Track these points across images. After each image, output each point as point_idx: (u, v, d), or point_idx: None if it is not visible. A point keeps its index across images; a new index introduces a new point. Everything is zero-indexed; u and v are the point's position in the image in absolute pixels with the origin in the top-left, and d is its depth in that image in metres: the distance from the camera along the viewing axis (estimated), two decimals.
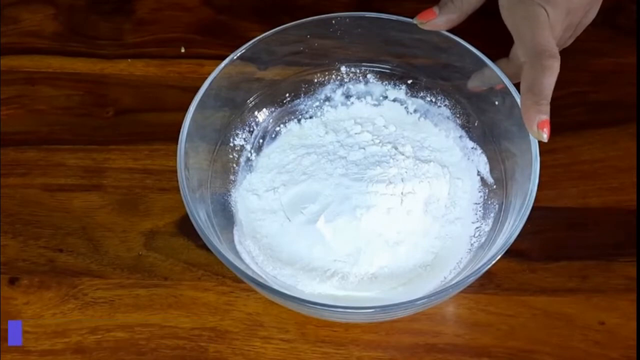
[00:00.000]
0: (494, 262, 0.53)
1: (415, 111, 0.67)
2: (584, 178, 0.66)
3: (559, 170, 0.66)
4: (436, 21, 0.62)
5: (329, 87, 0.68)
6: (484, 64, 0.61)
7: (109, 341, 0.60)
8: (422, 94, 0.67)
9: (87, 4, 0.77)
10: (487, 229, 0.60)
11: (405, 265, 0.59)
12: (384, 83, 0.68)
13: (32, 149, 0.69)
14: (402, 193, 0.60)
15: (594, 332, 0.60)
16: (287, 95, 0.67)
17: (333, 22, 0.64)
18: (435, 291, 0.56)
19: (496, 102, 0.61)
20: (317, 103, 0.68)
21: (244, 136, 0.66)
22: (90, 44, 0.75)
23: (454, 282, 0.57)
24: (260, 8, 0.77)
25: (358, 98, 0.68)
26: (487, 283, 0.61)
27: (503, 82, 0.59)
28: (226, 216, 0.62)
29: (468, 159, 0.65)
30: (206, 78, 0.61)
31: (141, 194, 0.67)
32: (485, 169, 0.64)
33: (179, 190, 0.56)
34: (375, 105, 0.68)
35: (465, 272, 0.58)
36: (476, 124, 0.65)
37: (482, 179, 0.64)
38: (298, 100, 0.68)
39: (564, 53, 0.57)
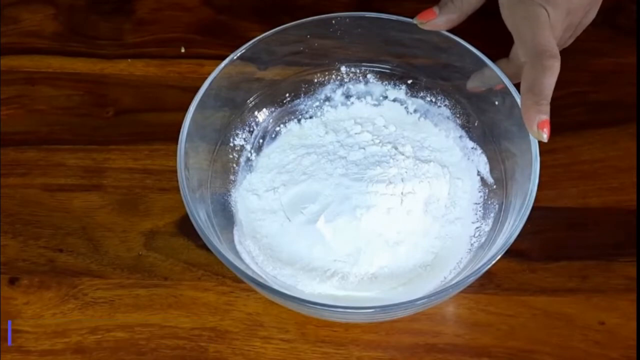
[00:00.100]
0: (494, 262, 0.53)
1: (415, 111, 0.67)
2: (584, 178, 0.66)
3: (559, 170, 0.66)
4: (436, 21, 0.62)
5: (329, 87, 0.68)
6: (484, 64, 0.61)
7: (109, 341, 0.60)
8: (422, 94, 0.67)
9: (87, 4, 0.77)
10: (487, 229, 0.60)
11: (405, 265, 0.59)
12: (384, 83, 0.68)
13: (32, 149, 0.69)
14: (402, 193, 0.60)
15: (594, 332, 0.60)
16: (287, 95, 0.67)
17: (333, 22, 0.64)
18: (435, 291, 0.56)
19: (496, 102, 0.61)
20: (317, 103, 0.68)
21: (244, 136, 0.66)
22: (90, 44, 0.75)
23: (454, 282, 0.57)
24: (260, 8, 0.77)
25: (358, 98, 0.68)
26: (487, 283, 0.61)
27: (503, 82, 0.59)
28: (226, 216, 0.62)
29: (468, 159, 0.65)
30: (206, 78, 0.61)
31: (141, 194, 0.67)
32: (485, 169, 0.64)
33: (179, 190, 0.56)
34: (375, 105, 0.68)
35: (465, 272, 0.58)
36: (476, 124, 0.65)
37: (482, 179, 0.64)
38: (298, 100, 0.68)
39: (564, 53, 0.57)
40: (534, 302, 0.61)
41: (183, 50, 0.74)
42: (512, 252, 0.58)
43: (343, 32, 0.64)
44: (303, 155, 0.64)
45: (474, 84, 0.63)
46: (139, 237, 0.65)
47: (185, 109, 0.59)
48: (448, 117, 0.66)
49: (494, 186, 0.62)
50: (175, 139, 0.58)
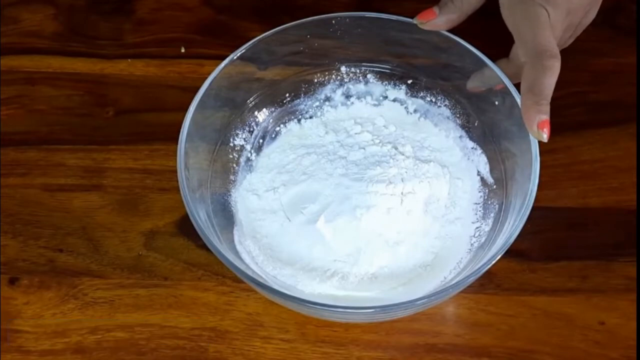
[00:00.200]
0: (494, 262, 0.53)
1: (415, 111, 0.67)
2: (584, 178, 0.66)
3: (559, 170, 0.66)
4: (436, 21, 0.62)
5: (329, 87, 0.68)
6: (484, 64, 0.61)
7: (109, 341, 0.60)
8: (422, 94, 0.67)
9: (87, 4, 0.77)
10: (487, 229, 0.60)
11: (405, 265, 0.59)
12: (384, 83, 0.68)
13: (32, 149, 0.69)
14: (402, 193, 0.60)
15: (594, 332, 0.60)
16: (287, 95, 0.67)
17: (333, 22, 0.64)
18: (435, 291, 0.56)
19: (496, 102, 0.61)
20: (317, 103, 0.68)
21: (244, 136, 0.66)
22: (90, 44, 0.75)
23: (454, 282, 0.57)
24: (260, 8, 0.77)
25: (358, 98, 0.68)
26: (487, 283, 0.61)
27: (503, 82, 0.59)
28: (226, 216, 0.62)
29: (468, 159, 0.65)
30: (206, 78, 0.61)
31: (141, 194, 0.67)
32: (485, 169, 0.64)
33: (179, 190, 0.56)
34: (375, 105, 0.68)
35: (465, 272, 0.58)
36: (476, 124, 0.65)
37: (482, 179, 0.64)
38: (298, 100, 0.68)
39: (564, 53, 0.57)
40: (534, 302, 0.61)
41: (183, 50, 0.74)
42: (512, 252, 0.58)
43: (343, 32, 0.64)
44: (303, 155, 0.64)
45: (474, 84, 0.63)
46: (139, 237, 0.65)
47: (185, 109, 0.59)
48: (448, 117, 0.66)
49: (494, 186, 0.62)
50: (175, 139, 0.58)
